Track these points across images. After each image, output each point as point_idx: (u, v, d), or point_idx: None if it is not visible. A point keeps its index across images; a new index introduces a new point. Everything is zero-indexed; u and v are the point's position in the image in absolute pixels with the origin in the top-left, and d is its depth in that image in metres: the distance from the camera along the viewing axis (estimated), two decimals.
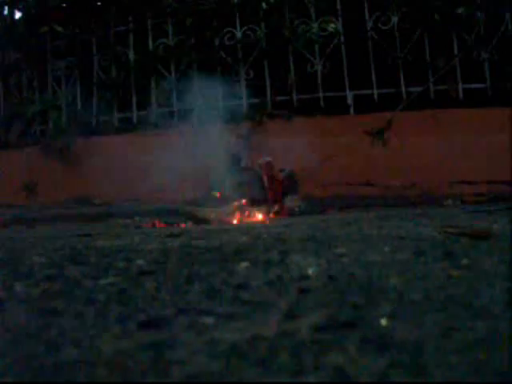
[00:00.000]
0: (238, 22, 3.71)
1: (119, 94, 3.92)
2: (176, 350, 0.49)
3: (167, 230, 1.80)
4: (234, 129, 3.56)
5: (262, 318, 0.59)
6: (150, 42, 3.90)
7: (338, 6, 3.58)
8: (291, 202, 2.37)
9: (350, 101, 3.52)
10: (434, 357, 0.45)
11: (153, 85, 3.89)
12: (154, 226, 2.20)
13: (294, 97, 3.60)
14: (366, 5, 3.54)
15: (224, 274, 0.86)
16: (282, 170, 2.41)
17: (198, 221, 2.17)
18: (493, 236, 1.14)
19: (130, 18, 3.95)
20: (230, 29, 3.71)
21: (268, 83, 3.66)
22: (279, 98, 3.63)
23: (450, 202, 2.69)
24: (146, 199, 3.48)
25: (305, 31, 3.59)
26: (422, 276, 0.77)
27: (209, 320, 0.59)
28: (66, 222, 2.60)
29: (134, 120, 3.93)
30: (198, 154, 2.82)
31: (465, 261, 0.87)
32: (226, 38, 3.72)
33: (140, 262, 1.01)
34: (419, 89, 3.44)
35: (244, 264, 0.93)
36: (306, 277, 0.80)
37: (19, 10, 4.52)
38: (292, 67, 3.62)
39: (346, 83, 3.53)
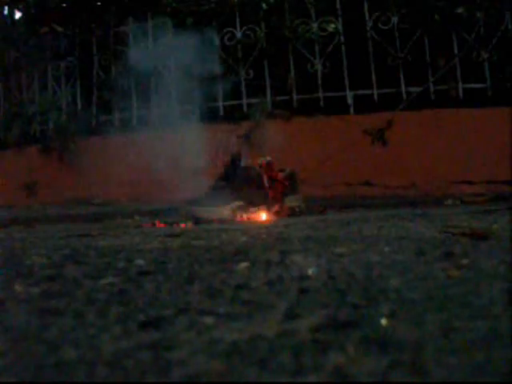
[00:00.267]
0: (238, 21, 3.71)
1: (119, 94, 3.93)
2: (176, 350, 0.49)
3: (167, 230, 1.80)
4: (234, 129, 3.56)
5: (261, 317, 0.59)
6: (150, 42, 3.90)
7: (338, 6, 3.59)
8: (291, 202, 2.37)
9: (350, 101, 3.52)
10: (434, 357, 0.45)
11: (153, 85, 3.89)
12: (153, 225, 2.20)
13: (294, 97, 3.60)
14: (365, 5, 3.54)
15: (224, 273, 0.86)
16: (282, 170, 2.40)
17: (198, 221, 2.16)
18: (493, 236, 1.14)
19: (130, 18, 3.95)
20: (230, 29, 3.72)
21: (268, 83, 3.66)
22: (279, 98, 3.63)
23: (449, 201, 2.69)
24: (146, 199, 3.49)
25: (305, 31, 3.59)
26: (422, 276, 0.77)
27: (209, 320, 0.59)
28: (66, 222, 2.60)
29: (134, 120, 3.94)
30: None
31: (465, 261, 0.87)
32: (226, 38, 3.72)
33: (140, 261, 1.01)
34: (419, 89, 3.44)
35: (244, 264, 0.93)
36: (305, 277, 0.80)
37: (19, 10, 4.52)
38: (292, 67, 3.63)
39: (346, 83, 3.54)
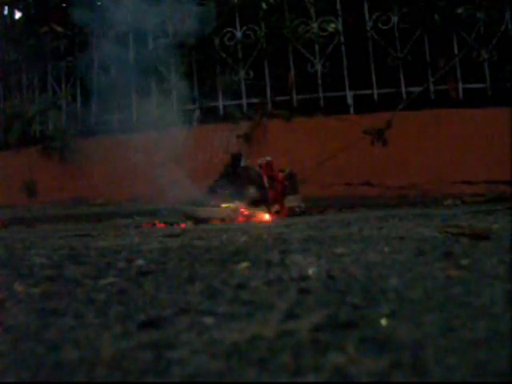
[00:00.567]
0: (237, 21, 3.71)
1: (119, 94, 3.93)
2: (176, 350, 0.49)
3: (167, 230, 1.80)
4: (234, 129, 3.56)
5: (261, 317, 0.59)
6: (150, 42, 3.90)
7: (338, 6, 3.59)
8: (291, 202, 2.37)
9: (350, 101, 3.52)
10: (434, 357, 0.45)
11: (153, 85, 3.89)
12: (153, 225, 2.20)
13: (294, 97, 3.60)
14: (365, 5, 3.54)
15: (224, 273, 0.86)
16: (282, 170, 2.41)
17: (198, 221, 2.17)
18: (493, 236, 1.14)
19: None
20: (230, 29, 3.72)
21: (268, 83, 3.66)
22: (279, 98, 3.63)
23: (449, 201, 2.69)
24: (146, 199, 3.49)
25: (305, 31, 3.59)
26: (421, 276, 0.77)
27: (209, 320, 0.59)
28: (66, 222, 2.60)
29: (134, 120, 3.94)
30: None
31: (465, 261, 0.87)
32: (226, 38, 3.72)
33: (140, 261, 1.01)
34: (419, 89, 3.44)
35: (244, 264, 0.93)
36: (305, 277, 0.80)
37: (19, 10, 4.52)
38: (292, 67, 3.63)
39: (346, 83, 3.54)
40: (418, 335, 0.51)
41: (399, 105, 3.38)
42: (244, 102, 3.68)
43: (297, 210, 2.38)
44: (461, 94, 3.41)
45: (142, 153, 3.55)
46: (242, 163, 2.37)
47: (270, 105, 3.63)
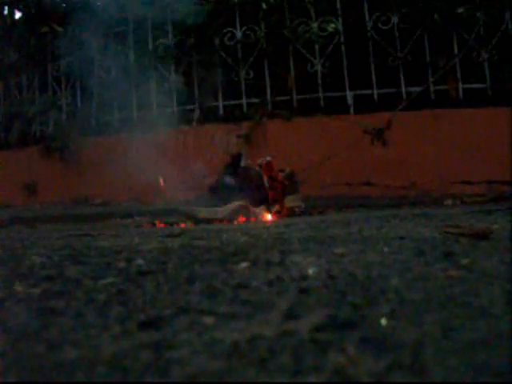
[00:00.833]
0: (238, 21, 3.71)
1: (119, 94, 3.93)
2: (176, 350, 0.49)
3: (167, 230, 1.80)
4: (234, 129, 3.56)
5: (261, 317, 0.59)
6: (150, 42, 3.90)
7: (338, 6, 3.59)
8: (291, 202, 2.37)
9: (350, 101, 3.52)
10: (434, 357, 0.45)
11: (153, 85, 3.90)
12: (154, 225, 2.20)
13: (294, 97, 3.60)
14: (365, 5, 3.54)
15: (224, 273, 0.86)
16: (282, 170, 2.40)
17: (198, 221, 2.16)
18: (493, 236, 1.14)
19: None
20: (230, 29, 3.72)
21: (268, 83, 3.66)
22: (279, 98, 3.63)
23: (449, 201, 2.69)
24: (146, 199, 3.49)
25: (305, 31, 3.59)
26: (421, 276, 0.77)
27: (209, 320, 0.59)
28: (66, 222, 2.60)
29: (134, 120, 3.94)
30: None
31: (465, 261, 0.87)
32: (226, 38, 3.72)
33: (140, 261, 1.01)
34: (419, 89, 3.44)
35: (244, 264, 0.93)
36: (305, 277, 0.80)
37: (19, 10, 4.52)
38: (292, 67, 3.63)
39: (346, 83, 3.54)
40: (418, 335, 0.51)
41: (399, 105, 3.38)
42: (244, 102, 3.68)
43: (297, 210, 2.38)
44: (461, 94, 3.41)
45: (142, 153, 3.55)
46: (242, 163, 2.37)
47: (270, 105, 3.63)
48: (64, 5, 4.32)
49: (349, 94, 3.53)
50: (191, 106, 3.81)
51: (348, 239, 1.24)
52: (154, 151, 3.61)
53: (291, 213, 2.35)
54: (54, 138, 4.04)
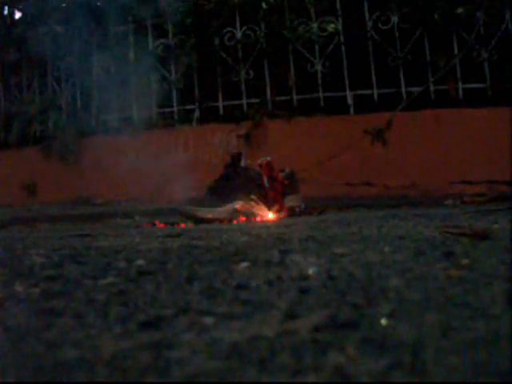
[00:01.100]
0: (238, 21, 3.71)
1: (119, 94, 3.93)
2: (176, 350, 0.49)
3: (167, 230, 1.80)
4: (234, 129, 3.56)
5: (261, 317, 0.59)
6: (150, 42, 3.90)
7: (338, 6, 3.59)
8: (291, 202, 2.37)
9: (350, 101, 3.52)
10: (434, 357, 0.45)
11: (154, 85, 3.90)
12: (153, 225, 2.20)
13: (294, 97, 3.60)
14: (365, 5, 3.54)
15: (224, 273, 0.86)
16: (282, 170, 2.40)
17: (198, 221, 2.16)
18: (493, 236, 1.14)
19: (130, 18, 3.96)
20: (230, 29, 3.72)
21: (268, 83, 3.66)
22: (279, 98, 3.63)
23: (450, 201, 2.69)
24: (146, 199, 3.49)
25: (305, 31, 3.59)
26: (421, 276, 0.77)
27: (209, 320, 0.59)
28: (66, 222, 2.60)
29: (135, 120, 3.94)
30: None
31: (465, 261, 0.87)
32: (226, 38, 3.72)
33: (140, 261, 1.01)
34: (419, 89, 3.44)
35: (244, 264, 0.93)
36: (305, 277, 0.80)
37: (19, 10, 4.52)
38: (292, 67, 3.63)
39: (346, 83, 3.54)
40: (418, 335, 0.51)
41: (399, 105, 3.38)
42: (244, 102, 3.68)
43: (297, 209, 2.38)
44: (461, 94, 3.41)
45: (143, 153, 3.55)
46: (242, 163, 2.37)
47: (269, 105, 3.63)
48: (64, 5, 4.32)
49: (349, 94, 3.53)
50: (191, 106, 3.81)
51: (348, 239, 1.24)
52: (154, 151, 3.61)
53: (291, 213, 2.35)
54: (54, 138, 4.04)
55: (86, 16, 3.90)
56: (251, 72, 3.67)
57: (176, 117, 3.82)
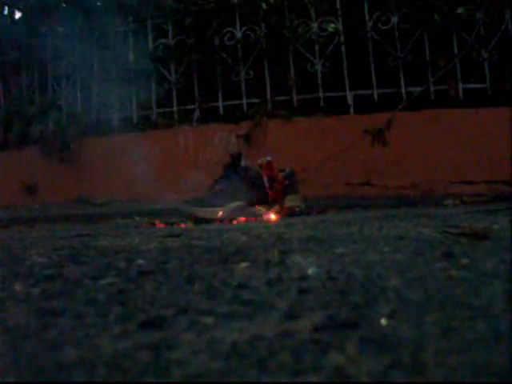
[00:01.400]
0: (238, 21, 3.71)
1: (119, 93, 3.93)
2: (176, 350, 0.49)
3: (167, 230, 1.80)
4: (234, 129, 3.56)
5: (261, 317, 0.59)
6: (150, 42, 3.90)
7: (338, 6, 3.59)
8: (291, 201, 2.37)
9: (350, 101, 3.52)
10: (434, 357, 0.45)
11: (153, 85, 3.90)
12: (153, 225, 2.20)
13: (294, 97, 3.60)
14: (365, 5, 3.54)
15: (224, 273, 0.86)
16: (282, 170, 2.40)
17: (198, 221, 2.16)
18: (493, 236, 1.14)
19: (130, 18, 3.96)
20: (230, 29, 3.72)
21: (268, 83, 3.66)
22: (279, 98, 3.63)
23: (449, 201, 2.69)
24: (146, 199, 3.49)
25: (305, 31, 3.59)
26: (421, 276, 0.77)
27: (209, 320, 0.59)
28: (66, 222, 2.60)
29: (134, 120, 3.94)
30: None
31: (465, 261, 0.87)
32: (226, 38, 3.72)
33: (140, 261, 1.01)
34: (419, 89, 3.44)
35: (244, 264, 0.93)
36: (305, 277, 0.80)
37: (19, 10, 4.52)
38: (292, 67, 3.63)
39: (346, 83, 3.54)
40: (418, 335, 0.51)
41: (399, 105, 3.38)
42: (244, 102, 3.68)
43: (297, 209, 2.38)
44: (461, 94, 3.41)
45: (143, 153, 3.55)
46: (242, 163, 2.37)
47: (269, 105, 3.63)
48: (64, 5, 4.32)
49: (349, 94, 3.53)
50: (191, 106, 3.82)
51: (348, 239, 1.24)
52: (154, 151, 3.61)
53: (291, 213, 2.35)
54: (54, 138, 4.04)
55: (86, 16, 3.90)
56: (251, 72, 3.67)
57: (176, 117, 3.82)
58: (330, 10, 3.61)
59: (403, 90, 3.45)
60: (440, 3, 3.42)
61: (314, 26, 3.58)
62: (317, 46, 3.59)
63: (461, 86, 3.41)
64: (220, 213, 2.20)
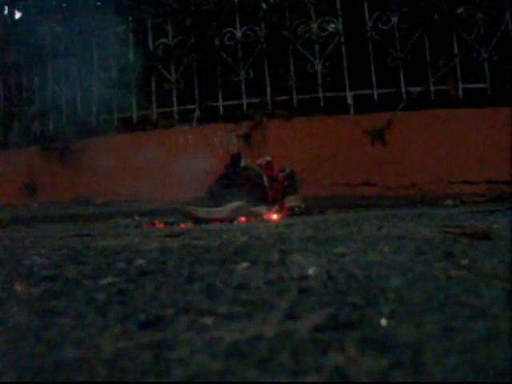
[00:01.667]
0: (238, 21, 3.71)
1: (119, 93, 3.93)
2: (176, 350, 0.49)
3: (167, 230, 1.80)
4: (234, 129, 3.56)
5: (261, 317, 0.59)
6: (150, 42, 3.90)
7: (338, 6, 3.59)
8: (291, 202, 2.37)
9: (350, 101, 3.52)
10: (434, 357, 0.45)
11: (153, 85, 3.90)
12: (153, 225, 2.20)
13: (294, 97, 3.60)
14: (365, 5, 3.55)
15: (224, 273, 0.86)
16: (282, 170, 2.40)
17: (198, 221, 2.16)
18: (493, 236, 1.14)
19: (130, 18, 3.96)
20: (230, 29, 3.72)
21: (268, 83, 3.66)
22: (279, 98, 3.63)
23: (449, 202, 2.69)
24: (146, 199, 3.49)
25: (305, 31, 3.59)
26: (421, 276, 0.77)
27: (209, 320, 0.59)
28: (66, 222, 2.60)
29: (134, 120, 3.94)
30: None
31: (465, 261, 0.87)
32: (226, 38, 3.73)
33: (140, 261, 1.01)
34: (419, 89, 3.44)
35: (244, 264, 0.93)
36: (305, 277, 0.80)
37: (19, 9, 4.52)
38: (292, 67, 3.63)
39: (346, 83, 3.54)
40: (418, 335, 0.51)
41: (399, 105, 3.38)
42: (244, 102, 3.68)
43: (297, 209, 2.38)
44: (461, 94, 3.41)
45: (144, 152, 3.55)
46: (242, 163, 2.37)
47: (270, 105, 3.63)
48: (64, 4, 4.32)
49: (349, 94, 3.53)
50: (191, 106, 3.82)
51: (348, 239, 1.24)
52: (153, 151, 3.61)
53: (291, 213, 2.35)
54: (54, 138, 4.05)
55: (86, 16, 3.91)
56: (251, 72, 3.67)
57: (176, 117, 3.82)
58: (330, 10, 3.61)
59: (403, 90, 3.45)
60: (440, 3, 3.42)
61: (314, 26, 3.58)
62: (317, 46, 3.59)
63: (461, 86, 3.41)
64: (220, 213, 2.20)
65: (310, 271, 0.84)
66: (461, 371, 0.42)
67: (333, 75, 3.57)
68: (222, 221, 2.17)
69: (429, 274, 0.79)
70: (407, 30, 3.47)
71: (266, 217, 2.25)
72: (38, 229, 2.24)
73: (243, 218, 2.20)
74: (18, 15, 4.57)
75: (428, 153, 3.30)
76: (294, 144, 3.45)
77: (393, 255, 0.96)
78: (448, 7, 3.41)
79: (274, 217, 2.27)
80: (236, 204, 2.22)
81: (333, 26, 3.57)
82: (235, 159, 2.37)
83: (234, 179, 2.32)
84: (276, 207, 2.32)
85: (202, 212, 2.19)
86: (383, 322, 0.56)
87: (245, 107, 3.67)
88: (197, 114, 3.77)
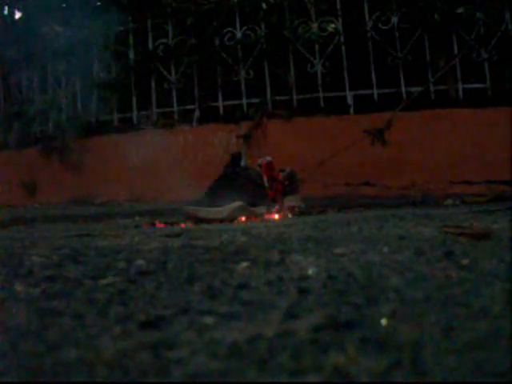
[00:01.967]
0: (238, 21, 3.71)
1: (119, 93, 3.93)
2: (176, 350, 0.49)
3: (167, 230, 1.80)
4: (234, 129, 3.56)
5: (262, 317, 0.59)
6: (150, 42, 3.90)
7: (338, 6, 3.59)
8: (291, 201, 2.37)
9: (350, 101, 3.52)
10: (434, 357, 0.45)
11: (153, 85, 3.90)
12: (153, 225, 2.20)
13: (294, 97, 3.60)
14: (365, 5, 3.54)
15: (224, 273, 0.86)
16: (282, 170, 2.40)
17: (198, 221, 2.16)
18: (493, 236, 1.14)
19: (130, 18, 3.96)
20: (230, 29, 3.72)
21: (268, 83, 3.66)
22: (279, 98, 3.63)
23: (449, 201, 2.69)
24: (146, 199, 3.49)
25: (305, 31, 3.59)
26: (421, 276, 0.77)
27: (209, 320, 0.59)
28: (66, 222, 2.60)
29: (134, 120, 3.94)
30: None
31: (465, 261, 0.87)
32: (226, 38, 3.73)
33: (140, 261, 1.01)
34: (419, 89, 3.44)
35: (244, 264, 0.93)
36: (305, 277, 0.80)
37: (19, 9, 4.52)
38: (292, 67, 3.63)
39: (346, 83, 3.54)
40: (418, 335, 0.51)
41: (399, 105, 3.38)
42: (244, 102, 3.68)
43: (297, 209, 2.38)
44: (461, 94, 3.41)
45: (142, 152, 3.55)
46: (242, 163, 2.37)
47: (270, 105, 3.63)
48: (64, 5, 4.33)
49: (349, 94, 3.53)
50: (191, 106, 3.82)
51: (348, 239, 1.24)
52: (153, 151, 3.61)
53: (291, 213, 2.35)
54: (54, 138, 4.05)
55: (85, 15, 3.91)
56: (251, 72, 3.67)
57: (176, 117, 3.82)
58: (330, 10, 3.61)
59: (403, 90, 3.45)
60: (440, 3, 3.42)
61: (314, 26, 3.58)
62: (317, 46, 3.59)
63: (461, 85, 3.41)
64: (220, 213, 2.20)
65: (310, 271, 0.84)
66: (461, 371, 0.42)
67: (333, 75, 3.57)
68: (222, 221, 2.17)
69: (429, 273, 0.79)
70: (407, 29, 3.47)
71: (266, 217, 2.25)
72: (37, 229, 2.24)
73: (243, 218, 2.20)
74: (18, 15, 4.57)
75: (428, 153, 3.30)
76: (294, 144, 3.44)
77: (393, 255, 0.96)
78: (448, 7, 3.41)
79: (274, 217, 2.27)
80: (236, 204, 2.22)
81: (333, 26, 3.57)
82: (235, 159, 2.37)
83: (234, 179, 2.32)
84: (276, 207, 2.32)
85: (202, 212, 2.19)
86: (383, 321, 0.56)
87: (245, 107, 3.67)
88: (197, 114, 3.77)
